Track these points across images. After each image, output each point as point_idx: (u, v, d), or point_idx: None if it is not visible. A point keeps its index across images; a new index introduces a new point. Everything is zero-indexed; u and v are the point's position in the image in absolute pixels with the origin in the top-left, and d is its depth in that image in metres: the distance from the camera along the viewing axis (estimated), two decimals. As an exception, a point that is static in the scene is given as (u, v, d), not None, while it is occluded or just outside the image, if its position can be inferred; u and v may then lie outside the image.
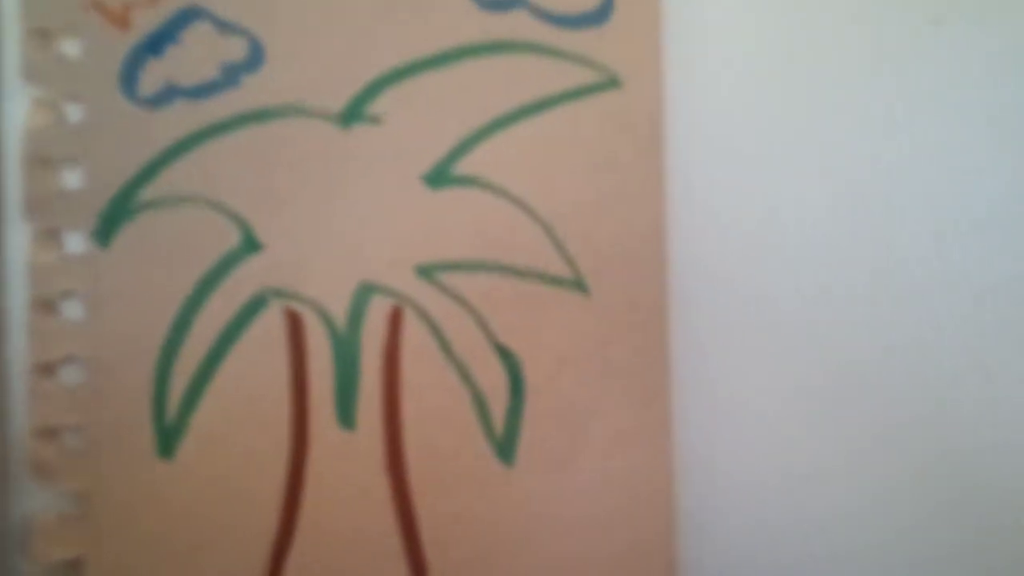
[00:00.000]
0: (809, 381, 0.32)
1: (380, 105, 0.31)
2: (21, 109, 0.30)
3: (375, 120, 0.31)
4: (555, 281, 0.31)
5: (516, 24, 0.31)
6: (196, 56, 0.30)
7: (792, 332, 0.32)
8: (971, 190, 0.33)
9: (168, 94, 0.30)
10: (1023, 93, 0.33)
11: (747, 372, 0.32)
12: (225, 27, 0.30)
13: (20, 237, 0.30)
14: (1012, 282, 0.32)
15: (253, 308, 0.30)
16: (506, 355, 0.31)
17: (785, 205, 0.32)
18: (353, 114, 0.31)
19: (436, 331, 0.31)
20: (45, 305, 0.30)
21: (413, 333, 0.31)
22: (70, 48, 0.30)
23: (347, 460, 0.30)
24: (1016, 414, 0.32)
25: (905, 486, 0.32)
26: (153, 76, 0.30)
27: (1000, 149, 0.33)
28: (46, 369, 0.29)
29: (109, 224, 0.30)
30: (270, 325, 0.30)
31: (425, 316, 0.31)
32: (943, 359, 0.32)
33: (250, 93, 0.30)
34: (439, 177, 0.31)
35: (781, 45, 0.33)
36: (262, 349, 0.30)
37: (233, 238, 0.30)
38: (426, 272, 0.31)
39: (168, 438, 0.30)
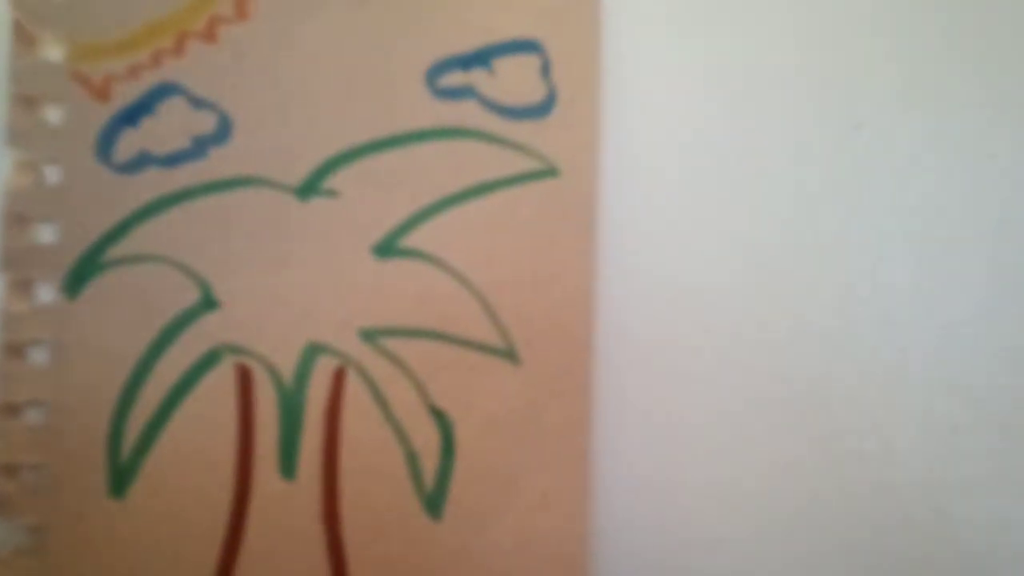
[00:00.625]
0: (724, 448, 0.34)
1: (336, 180, 0.33)
2: (3, 170, 0.32)
3: (330, 194, 0.33)
4: (489, 350, 0.33)
5: (466, 113, 0.33)
6: (169, 128, 0.32)
7: (710, 409, 0.34)
8: (883, 279, 0.35)
9: (141, 161, 0.32)
10: (932, 192, 0.35)
11: (667, 442, 0.34)
12: (197, 102, 0.32)
13: None
14: (902, 330, 0.35)
15: (207, 362, 0.32)
16: (440, 416, 0.33)
17: (707, 287, 0.35)
18: (310, 187, 0.33)
19: (376, 391, 0.33)
20: (15, 350, 0.32)
21: (355, 392, 0.32)
22: (52, 115, 0.32)
23: (286, 508, 0.32)
24: (913, 451, 0.34)
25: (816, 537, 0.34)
26: (128, 144, 0.32)
27: (908, 241, 0.35)
28: (11, 410, 0.31)
29: (78, 278, 0.32)
30: (222, 378, 0.32)
31: (367, 377, 0.33)
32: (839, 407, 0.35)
33: (217, 164, 0.32)
34: (387, 249, 0.33)
35: (712, 142, 0.35)
36: (213, 400, 0.32)
37: (192, 296, 0.32)
38: (370, 336, 0.33)
39: (121, 479, 0.31)
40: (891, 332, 0.35)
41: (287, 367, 0.32)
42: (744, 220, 0.35)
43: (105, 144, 0.32)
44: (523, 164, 0.33)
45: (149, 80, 0.32)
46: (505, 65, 0.33)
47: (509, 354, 0.33)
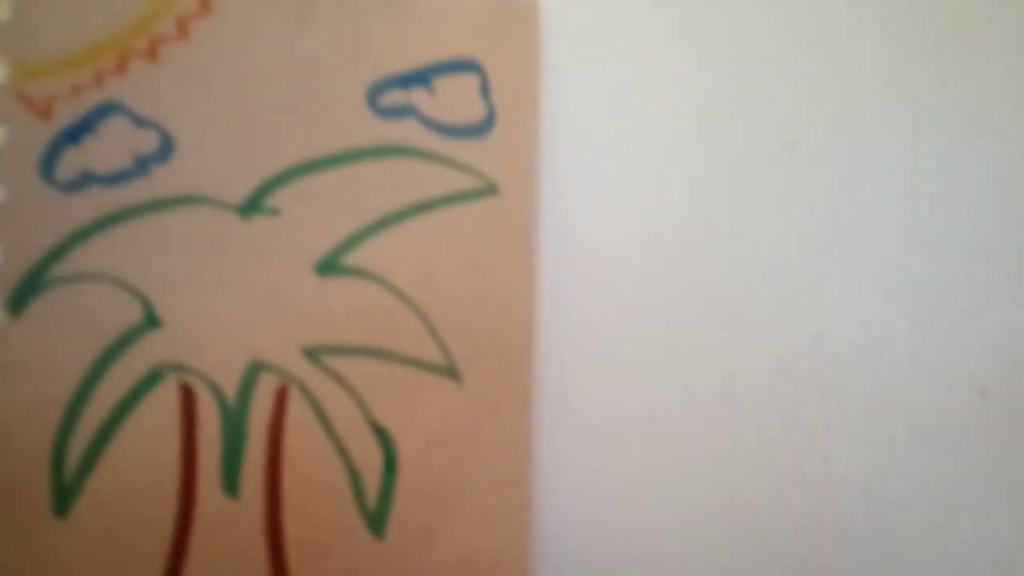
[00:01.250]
0: (659, 459, 0.35)
1: (278, 198, 0.33)
2: None
3: (272, 212, 0.33)
4: (430, 367, 0.33)
5: (407, 132, 0.34)
6: (111, 147, 0.32)
7: (647, 418, 0.35)
8: (820, 296, 0.36)
9: (84, 180, 0.32)
10: (866, 211, 0.36)
11: (606, 457, 0.35)
12: (139, 121, 0.32)
13: None
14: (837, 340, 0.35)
15: (150, 380, 0.32)
16: (381, 434, 0.33)
17: (645, 303, 0.35)
18: (252, 206, 0.33)
19: (318, 409, 0.33)
20: None
21: (297, 410, 0.33)
22: None
23: (229, 525, 0.32)
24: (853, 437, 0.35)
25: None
26: (71, 163, 0.32)
27: (843, 259, 0.36)
28: None
29: (21, 296, 0.32)
30: (165, 397, 0.32)
31: (309, 395, 0.33)
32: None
33: (159, 182, 0.32)
34: (329, 267, 0.33)
35: (648, 159, 0.36)
36: (156, 418, 0.32)
37: (135, 314, 0.32)
38: (312, 354, 0.33)
39: (65, 498, 0.31)
40: (828, 348, 0.35)
41: (230, 385, 0.32)
42: (680, 236, 0.35)
43: (48, 163, 0.32)
44: (463, 182, 0.34)
45: (91, 99, 0.32)
46: (445, 84, 0.34)
47: (450, 371, 0.33)
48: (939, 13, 0.37)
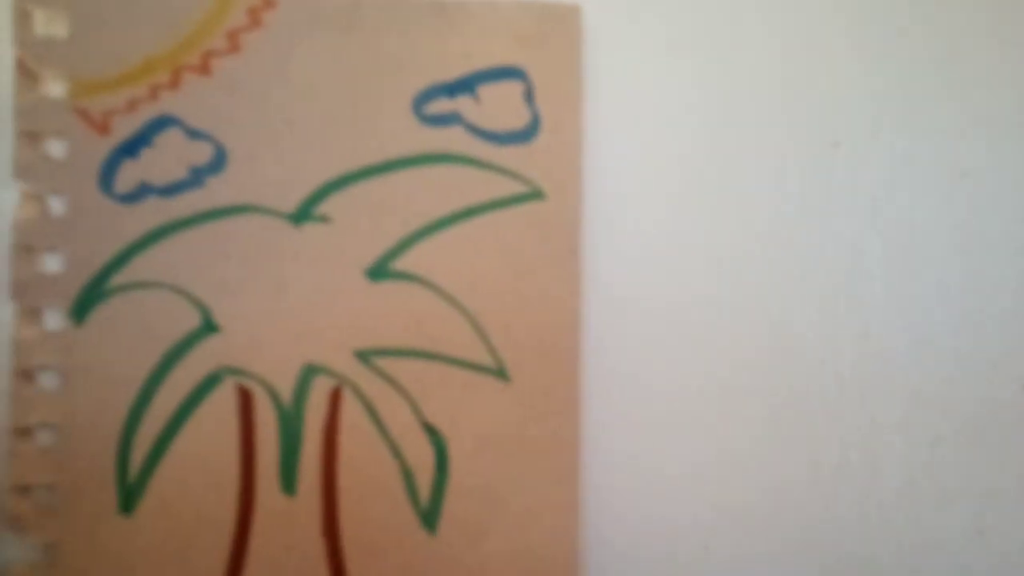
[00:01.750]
0: (706, 457, 0.35)
1: (329, 206, 0.34)
2: (11, 202, 0.33)
3: (324, 219, 0.34)
4: (479, 368, 0.34)
5: (453, 138, 0.34)
6: (167, 159, 0.33)
7: (693, 417, 0.35)
8: (862, 293, 0.36)
9: (141, 192, 0.33)
10: (907, 208, 0.36)
11: (652, 455, 0.35)
12: (194, 134, 0.33)
13: (4, 314, 0.33)
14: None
15: (209, 383, 0.33)
16: (433, 434, 0.34)
17: (691, 304, 0.36)
18: (304, 214, 0.34)
19: (371, 410, 0.34)
20: (25, 375, 0.33)
21: (351, 411, 0.34)
22: (56, 149, 0.33)
23: (288, 523, 0.33)
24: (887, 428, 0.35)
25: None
26: (129, 175, 0.33)
27: (885, 255, 0.36)
28: (24, 432, 0.32)
29: (84, 305, 0.33)
30: (223, 399, 0.33)
31: (362, 396, 0.34)
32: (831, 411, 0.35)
33: (213, 192, 0.33)
34: (379, 272, 0.34)
35: (693, 162, 0.36)
36: (216, 420, 0.33)
37: (193, 321, 0.33)
38: (364, 356, 0.34)
39: (129, 496, 0.33)
40: (871, 345, 0.35)
41: (285, 388, 0.33)
42: (725, 238, 0.36)
43: (107, 175, 0.33)
44: (509, 187, 0.34)
45: (147, 113, 0.33)
46: (490, 92, 0.34)
47: (499, 372, 0.34)
48: (983, 13, 0.37)
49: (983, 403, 0.35)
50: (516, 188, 0.34)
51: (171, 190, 0.33)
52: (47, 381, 0.33)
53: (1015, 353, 0.36)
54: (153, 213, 0.33)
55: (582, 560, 0.34)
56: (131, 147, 0.33)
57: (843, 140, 0.36)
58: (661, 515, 0.35)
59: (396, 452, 0.34)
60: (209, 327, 0.33)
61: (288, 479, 0.33)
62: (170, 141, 0.33)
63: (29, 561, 0.32)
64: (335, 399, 0.33)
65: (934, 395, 0.35)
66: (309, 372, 0.33)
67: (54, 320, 0.33)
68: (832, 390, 0.35)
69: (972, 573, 0.35)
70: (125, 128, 0.33)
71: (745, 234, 0.35)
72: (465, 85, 0.34)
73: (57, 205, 0.33)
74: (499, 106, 0.34)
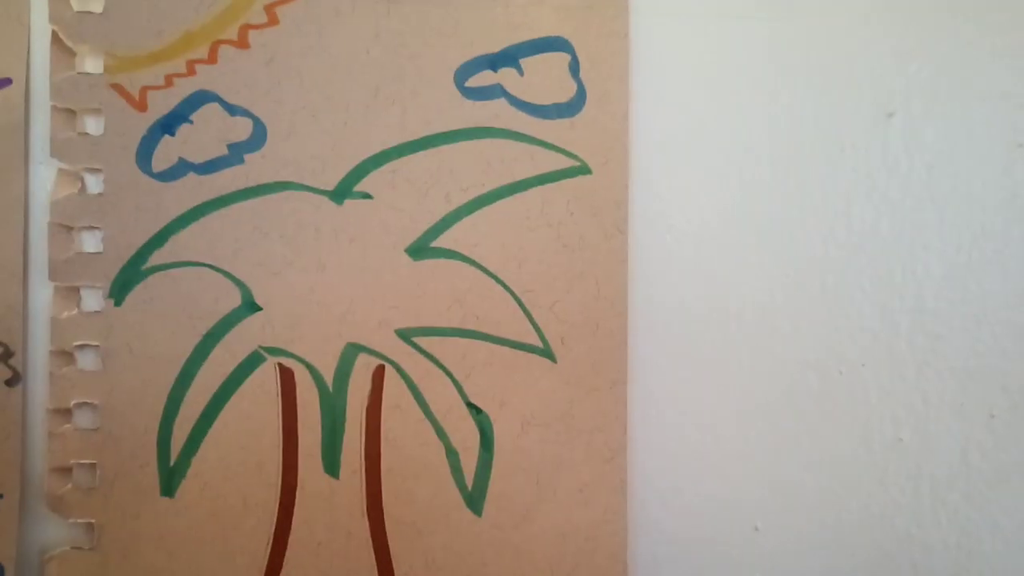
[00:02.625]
0: (756, 434, 0.35)
1: (369, 183, 0.33)
2: (48, 180, 0.33)
3: (365, 196, 0.33)
4: (524, 347, 0.34)
5: (496, 112, 0.34)
6: (205, 135, 0.33)
7: (742, 395, 0.35)
8: (918, 267, 0.35)
9: (179, 169, 0.33)
10: (963, 180, 0.35)
11: (701, 433, 0.35)
12: (232, 110, 0.33)
13: (44, 294, 0.33)
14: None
15: (250, 363, 0.33)
16: (478, 413, 0.34)
17: (740, 282, 0.35)
18: (345, 190, 0.33)
19: (415, 389, 0.33)
20: (64, 355, 0.33)
21: (394, 390, 0.33)
22: (93, 126, 0.33)
23: (331, 504, 0.33)
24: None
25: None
26: (167, 152, 0.33)
27: (941, 228, 0.35)
28: (63, 413, 0.32)
29: (123, 284, 0.33)
30: (265, 379, 0.33)
31: (405, 375, 0.33)
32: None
33: (253, 169, 0.33)
34: (421, 250, 0.34)
35: (744, 135, 0.35)
36: (257, 400, 0.33)
37: (234, 299, 0.33)
38: (407, 335, 0.33)
39: (170, 478, 0.33)
40: (926, 320, 0.35)
41: (327, 367, 0.33)
42: (778, 212, 0.35)
43: (144, 153, 0.33)
44: (554, 162, 0.34)
45: (185, 89, 0.33)
46: (534, 64, 0.34)
47: (544, 351, 0.34)
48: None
49: (1040, 379, 0.35)
50: (561, 163, 0.34)
51: (210, 167, 0.33)
52: (86, 361, 0.33)
53: (1074, 328, 0.35)
54: (192, 191, 0.33)
55: (631, 540, 0.34)
56: (169, 123, 0.33)
57: (898, 110, 0.35)
58: (710, 494, 0.35)
59: (440, 432, 0.33)
60: (250, 306, 0.33)
61: (331, 460, 0.33)
62: (208, 117, 0.33)
63: (71, 542, 0.32)
64: (378, 379, 0.33)
65: (989, 371, 0.35)
66: (351, 351, 0.33)
67: (93, 300, 0.33)
68: (886, 366, 0.35)
69: (1028, 553, 0.35)
70: (163, 104, 0.33)
71: (798, 207, 0.35)
72: (508, 57, 0.34)
73: (94, 183, 0.33)
74: (543, 78, 0.34)
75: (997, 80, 0.35)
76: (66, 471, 0.32)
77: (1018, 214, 0.35)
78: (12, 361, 0.32)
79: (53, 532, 0.32)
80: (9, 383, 0.32)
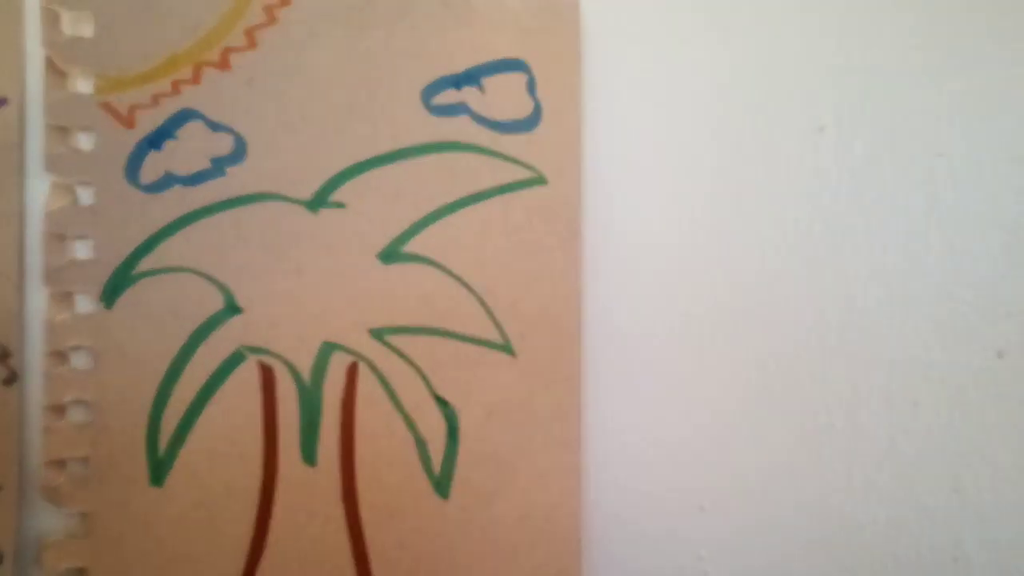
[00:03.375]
0: (701, 422, 0.37)
1: (343, 193, 0.35)
2: (43, 192, 0.34)
3: (339, 205, 0.35)
4: (487, 344, 0.36)
5: (460, 128, 0.36)
6: (190, 150, 0.34)
7: (687, 386, 0.37)
8: (847, 267, 0.38)
9: (166, 181, 0.34)
10: (889, 186, 0.38)
11: (649, 422, 0.37)
12: (215, 126, 0.35)
13: (39, 299, 0.34)
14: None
15: (233, 361, 0.35)
16: (444, 405, 0.36)
17: (685, 281, 0.38)
18: (320, 200, 0.35)
19: (386, 384, 0.35)
20: (58, 356, 0.34)
21: (367, 385, 0.35)
22: (84, 142, 0.34)
23: (309, 491, 0.35)
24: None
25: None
26: (154, 166, 0.34)
27: (868, 231, 0.38)
28: (58, 409, 0.34)
29: (114, 289, 0.34)
30: (247, 376, 0.35)
31: (377, 371, 0.35)
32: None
33: (234, 181, 0.35)
34: (392, 255, 0.36)
35: (686, 147, 0.38)
36: (240, 396, 0.35)
37: (217, 303, 0.35)
38: (379, 334, 0.36)
39: (159, 469, 0.34)
40: (855, 316, 0.37)
41: (305, 364, 0.35)
42: (718, 218, 0.38)
43: (133, 166, 0.34)
44: (513, 173, 0.36)
45: (170, 107, 0.34)
46: (494, 83, 0.36)
47: (506, 347, 0.36)
48: (958, 3, 0.39)
49: (960, 369, 0.38)
50: (520, 174, 0.36)
51: (194, 179, 0.34)
52: (79, 361, 0.34)
53: (989, 322, 0.38)
54: (177, 201, 0.34)
55: (585, 521, 0.36)
56: (155, 139, 0.34)
57: (828, 125, 0.38)
58: (659, 478, 0.37)
59: (410, 423, 0.35)
60: (232, 308, 0.35)
61: (309, 450, 0.35)
62: (192, 133, 0.34)
63: (66, 530, 0.34)
64: (352, 374, 0.35)
65: (913, 362, 0.38)
66: (327, 349, 0.35)
67: (85, 304, 0.34)
68: (818, 359, 0.37)
69: (949, 528, 0.37)
70: (149, 122, 0.34)
71: (735, 213, 0.37)
72: (471, 77, 0.36)
73: (86, 195, 0.34)
74: (503, 97, 0.36)
75: (920, 94, 0.38)
76: (60, 464, 0.33)
77: (937, 218, 0.38)
78: (10, 361, 0.33)
79: (49, 521, 0.33)
80: (7, 382, 0.33)
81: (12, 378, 0.33)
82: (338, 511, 0.35)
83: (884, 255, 0.38)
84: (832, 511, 0.37)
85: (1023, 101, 0.38)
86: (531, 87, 0.36)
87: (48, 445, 0.33)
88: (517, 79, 0.36)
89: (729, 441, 0.37)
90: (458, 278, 0.36)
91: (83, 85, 0.34)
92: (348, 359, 0.35)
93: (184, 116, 0.34)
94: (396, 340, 0.35)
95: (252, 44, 0.35)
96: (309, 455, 0.35)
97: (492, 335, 0.36)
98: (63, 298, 0.34)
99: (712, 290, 0.37)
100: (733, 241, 0.37)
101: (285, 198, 0.35)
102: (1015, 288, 0.38)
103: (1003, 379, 0.38)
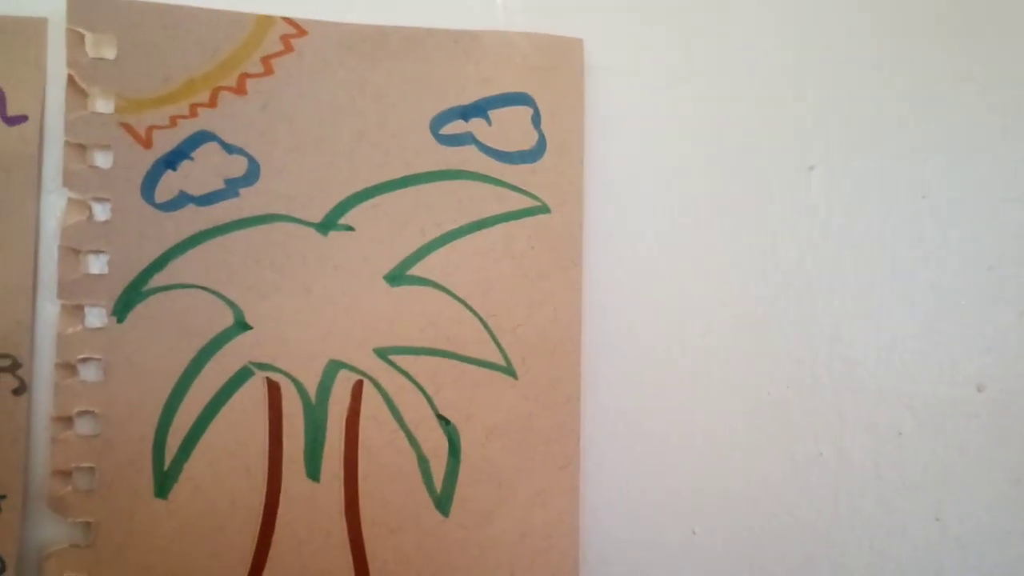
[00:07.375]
0: (697, 452, 0.38)
1: (353, 216, 0.36)
2: (59, 207, 0.35)
3: (348, 228, 0.36)
4: (489, 365, 0.37)
5: (467, 157, 0.37)
6: (204, 171, 0.35)
7: (681, 411, 0.39)
8: (836, 303, 0.39)
9: (180, 200, 0.35)
10: (876, 225, 0.40)
11: (646, 445, 0.38)
12: (230, 149, 0.36)
13: (51, 311, 0.35)
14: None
15: (240, 377, 0.35)
16: (447, 425, 0.36)
17: (681, 310, 0.39)
18: (330, 223, 0.36)
19: (390, 402, 0.36)
20: (68, 368, 0.34)
21: (371, 403, 0.36)
22: (102, 160, 0.35)
23: (312, 506, 0.35)
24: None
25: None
26: (169, 185, 0.35)
27: (856, 268, 0.39)
28: (66, 420, 0.34)
29: (125, 304, 0.35)
30: (253, 392, 0.35)
31: (382, 390, 0.36)
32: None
33: (247, 202, 0.36)
34: (398, 277, 0.37)
35: (683, 181, 0.39)
36: (246, 411, 0.35)
37: (226, 320, 0.35)
38: (384, 354, 0.36)
39: (164, 481, 0.35)
40: (842, 347, 0.39)
41: (311, 382, 0.36)
42: (713, 250, 0.39)
43: (148, 185, 0.35)
44: (518, 202, 0.37)
45: (187, 129, 0.35)
46: (500, 115, 0.37)
47: (507, 369, 0.37)
48: (940, 52, 0.41)
49: (942, 401, 0.39)
50: (524, 203, 0.37)
51: (208, 199, 0.35)
52: (88, 373, 0.35)
53: (970, 356, 0.39)
54: (190, 220, 0.35)
55: (583, 540, 0.37)
56: (171, 159, 0.35)
57: (818, 164, 0.39)
58: (654, 500, 0.38)
59: (412, 441, 0.36)
60: (241, 326, 0.35)
61: (313, 466, 0.36)
62: (208, 155, 0.35)
63: (70, 540, 0.34)
64: (356, 392, 0.36)
65: (898, 393, 0.39)
66: (333, 368, 0.36)
67: (96, 317, 0.35)
68: (807, 389, 0.39)
69: (931, 555, 0.39)
70: (166, 142, 0.35)
71: (732, 247, 0.39)
72: (478, 109, 0.37)
73: (101, 211, 0.35)
74: (509, 128, 0.37)
75: (906, 138, 0.40)
76: (67, 474, 0.34)
77: (922, 255, 0.39)
78: (20, 372, 0.34)
79: (53, 531, 0.34)
80: (16, 392, 0.34)
81: (21, 388, 0.34)
82: (340, 526, 0.35)
83: (871, 290, 0.39)
84: (819, 536, 0.38)
85: (1002, 145, 0.40)
86: (536, 120, 0.37)
87: (55, 455, 0.34)
88: (523, 112, 0.37)
89: (721, 467, 0.38)
90: (462, 301, 0.37)
91: (103, 105, 0.35)
92: (353, 377, 0.36)
93: (200, 138, 0.35)
94: (401, 360, 0.36)
95: (268, 71, 0.36)
96: (313, 471, 0.35)
97: (494, 357, 0.37)
98: (75, 311, 0.35)
99: (707, 321, 0.39)
100: (727, 273, 0.39)
101: (296, 220, 0.36)
102: (995, 324, 0.40)
103: (983, 411, 0.39)
